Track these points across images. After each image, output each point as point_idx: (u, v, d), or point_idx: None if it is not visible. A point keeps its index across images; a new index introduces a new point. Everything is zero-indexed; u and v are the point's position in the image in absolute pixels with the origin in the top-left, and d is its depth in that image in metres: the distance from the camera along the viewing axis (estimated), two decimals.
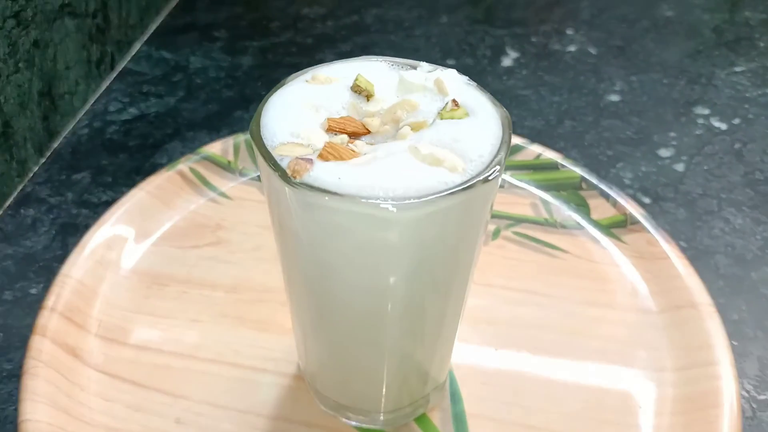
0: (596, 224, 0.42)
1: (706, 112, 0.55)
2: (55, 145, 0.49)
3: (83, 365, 0.34)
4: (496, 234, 0.42)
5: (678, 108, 0.55)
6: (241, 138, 0.46)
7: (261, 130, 0.23)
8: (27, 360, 0.33)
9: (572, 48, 0.62)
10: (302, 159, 0.21)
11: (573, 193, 0.44)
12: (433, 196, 0.20)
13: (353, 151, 0.22)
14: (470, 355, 0.35)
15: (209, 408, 0.32)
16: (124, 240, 0.40)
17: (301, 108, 0.23)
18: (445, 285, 0.25)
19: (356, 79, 0.24)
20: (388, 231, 0.21)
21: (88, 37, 0.52)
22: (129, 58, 0.59)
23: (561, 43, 0.63)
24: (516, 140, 0.46)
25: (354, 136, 0.23)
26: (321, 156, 0.21)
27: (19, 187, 0.46)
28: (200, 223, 0.42)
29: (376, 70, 0.26)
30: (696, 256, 0.42)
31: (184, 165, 0.43)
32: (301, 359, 0.33)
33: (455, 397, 0.33)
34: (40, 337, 0.34)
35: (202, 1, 0.68)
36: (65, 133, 0.50)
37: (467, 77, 0.25)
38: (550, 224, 0.42)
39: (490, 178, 0.21)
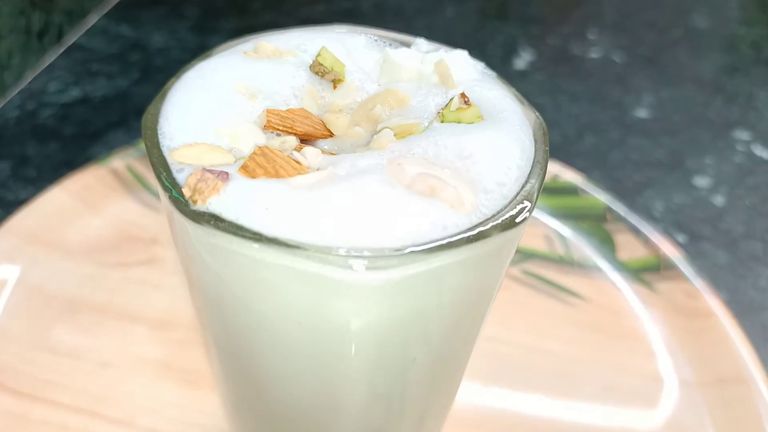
0: (623, 266, 0.34)
1: (746, 137, 0.47)
2: None
3: None
4: None
5: (715, 130, 0.48)
6: None
7: (159, 121, 0.15)
8: None
9: (595, 54, 0.54)
10: (211, 172, 0.13)
11: (595, 225, 0.36)
12: (422, 249, 0.12)
13: (297, 163, 0.14)
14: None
15: None
16: (32, 252, 0.31)
17: (227, 91, 0.15)
18: (435, 370, 0.17)
19: (318, 55, 0.16)
20: (345, 301, 0.13)
21: (29, 3, 0.44)
22: (81, 32, 0.50)
23: (582, 46, 0.55)
24: None
25: (306, 139, 0.15)
26: (245, 169, 0.13)
27: None
28: (132, 235, 0.33)
29: (351, 45, 0.17)
30: (740, 312, 0.34)
31: (119, 160, 0.35)
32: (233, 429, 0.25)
33: None
34: None
35: None
36: None
37: (484, 63, 0.17)
38: (566, 262, 0.34)
39: (517, 221, 0.13)
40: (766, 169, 0.45)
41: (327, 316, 0.13)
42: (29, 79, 0.45)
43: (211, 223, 0.12)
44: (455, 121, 0.15)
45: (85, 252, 0.32)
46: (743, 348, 0.30)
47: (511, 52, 0.53)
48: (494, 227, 0.13)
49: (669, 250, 0.34)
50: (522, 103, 0.16)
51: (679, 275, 0.33)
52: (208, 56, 0.16)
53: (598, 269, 0.34)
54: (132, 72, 0.47)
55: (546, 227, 0.36)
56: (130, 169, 0.35)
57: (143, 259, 0.32)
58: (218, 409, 0.26)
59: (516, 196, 0.13)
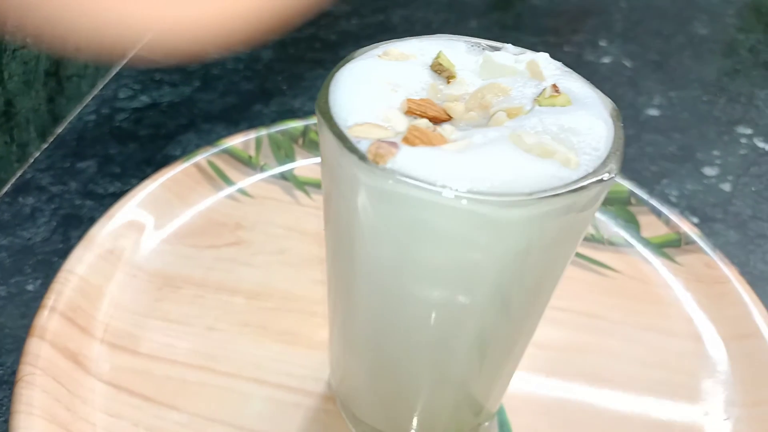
0: (647, 243, 0.39)
1: (749, 132, 0.52)
2: (60, 130, 0.45)
3: (86, 374, 0.30)
4: None
5: (720, 126, 0.53)
6: (264, 132, 0.42)
7: (330, 107, 0.19)
8: (22, 366, 0.29)
9: (607, 59, 0.60)
10: (386, 142, 0.18)
11: (621, 208, 0.40)
12: (549, 194, 0.17)
13: (442, 136, 0.18)
14: (520, 382, 0.31)
15: (227, 429, 0.29)
16: (134, 235, 0.36)
17: (376, 85, 0.20)
18: (527, 307, 0.21)
19: (437, 57, 0.21)
20: (489, 233, 0.17)
21: None
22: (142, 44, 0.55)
23: (595, 53, 0.60)
24: None
25: (434, 122, 0.20)
26: (406, 140, 0.18)
27: (19, 173, 0.42)
28: (218, 222, 0.38)
29: (455, 49, 0.22)
30: (751, 282, 0.39)
31: (202, 157, 0.40)
32: (335, 377, 0.29)
33: (504, 428, 0.29)
34: (38, 339, 0.30)
35: None
36: (71, 118, 0.47)
37: (561, 63, 0.22)
38: (597, 240, 0.39)
39: (606, 178, 0.18)
40: (767, 159, 0.50)
41: (473, 247, 0.18)
42: (100, 87, 0.50)
43: (393, 177, 0.17)
44: (550, 105, 0.20)
45: (179, 236, 0.37)
46: (755, 308, 0.34)
47: None
48: (596, 180, 0.17)
49: (688, 227, 0.38)
50: (599, 93, 0.21)
51: (698, 249, 0.37)
52: (351, 59, 0.21)
53: (626, 245, 0.39)
54: (193, 80, 0.51)
55: None
56: (211, 165, 0.40)
57: (231, 241, 0.37)
58: (312, 362, 0.31)
59: (607, 158, 0.18)
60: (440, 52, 0.21)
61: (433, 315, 0.20)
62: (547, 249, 0.19)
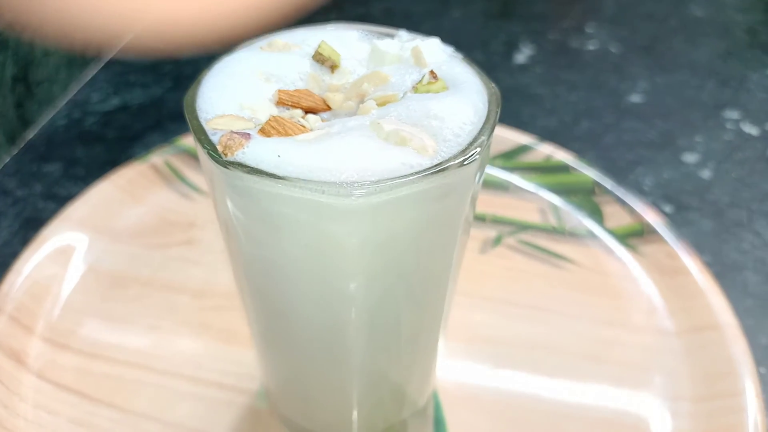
0: (610, 233, 0.38)
1: (736, 116, 0.50)
2: (30, 135, 0.46)
3: (26, 372, 0.30)
4: (497, 241, 0.37)
5: (706, 111, 0.51)
6: None
7: (197, 100, 0.19)
8: None
9: (592, 46, 0.58)
10: (237, 133, 0.17)
11: (585, 198, 0.39)
12: (393, 181, 0.16)
13: (302, 126, 0.18)
14: (461, 378, 0.31)
15: (161, 426, 0.29)
16: (85, 236, 0.36)
17: (248, 77, 0.20)
18: (416, 292, 0.21)
19: (319, 47, 0.20)
20: (339, 223, 0.17)
21: None
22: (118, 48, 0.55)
23: (580, 40, 0.59)
24: (525, 139, 0.42)
25: (311, 112, 0.19)
26: (262, 131, 0.17)
27: None
28: (171, 221, 0.38)
29: (345, 38, 0.22)
30: (722, 273, 0.37)
31: (158, 157, 0.40)
32: (264, 377, 0.29)
33: (439, 425, 0.29)
34: None
35: None
36: (42, 122, 0.47)
37: (453, 48, 0.21)
38: (558, 232, 0.38)
39: (465, 162, 0.17)
40: (753, 144, 0.48)
41: (326, 237, 0.17)
42: (74, 91, 0.50)
43: (238, 169, 0.16)
44: (426, 92, 0.19)
45: (131, 236, 0.37)
46: (717, 299, 0.33)
47: (512, 48, 0.57)
48: (451, 167, 0.17)
49: (652, 217, 0.37)
50: (482, 79, 0.20)
51: (660, 239, 0.36)
52: (232, 51, 0.21)
53: (588, 237, 0.38)
54: (165, 81, 0.52)
55: (540, 201, 0.39)
56: (168, 164, 0.40)
57: (182, 240, 0.37)
58: (249, 359, 0.31)
59: (469, 145, 0.17)
60: (322, 41, 0.20)
61: (320, 308, 0.20)
62: (417, 235, 0.18)
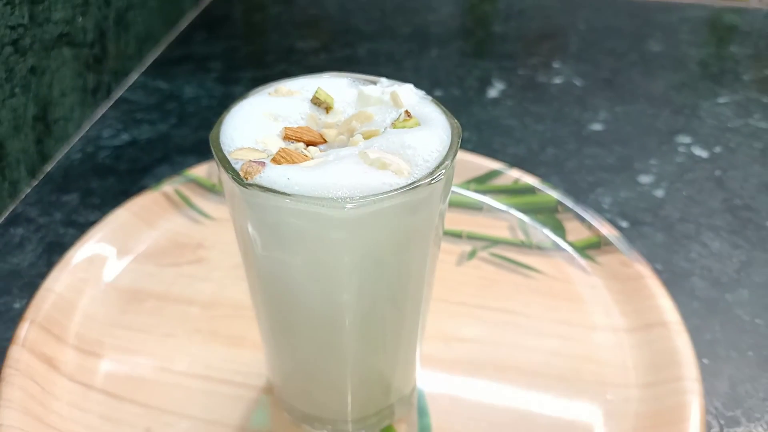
0: (571, 246, 0.43)
1: (688, 140, 0.56)
2: (49, 168, 0.51)
3: (58, 375, 0.35)
4: (472, 255, 0.42)
5: (661, 137, 0.56)
6: None
7: (220, 136, 0.24)
8: (4, 368, 0.33)
9: (558, 80, 0.64)
10: (255, 162, 0.22)
11: (549, 216, 0.44)
12: (376, 196, 0.21)
13: (305, 156, 0.23)
14: (440, 372, 0.35)
15: (178, 418, 0.33)
16: (105, 257, 0.41)
17: (260, 117, 0.25)
18: (397, 290, 0.26)
19: (316, 92, 0.26)
20: (335, 230, 0.22)
21: (85, 66, 0.54)
22: (125, 88, 0.60)
23: (547, 75, 0.64)
24: (495, 165, 0.47)
25: (311, 144, 0.24)
26: (274, 160, 0.22)
27: (11, 208, 0.47)
28: (181, 243, 0.43)
29: (337, 85, 0.27)
30: (672, 279, 0.42)
31: (168, 186, 0.45)
32: (269, 370, 0.33)
33: (422, 411, 0.33)
34: (19, 347, 0.34)
35: (200, 34, 0.70)
36: (59, 156, 0.52)
37: (424, 92, 0.26)
38: (526, 246, 0.43)
39: (433, 181, 0.22)
40: (703, 165, 0.53)
41: (324, 242, 0.22)
42: (87, 128, 0.55)
43: (256, 189, 0.21)
44: (402, 128, 0.24)
45: (146, 256, 0.42)
46: (664, 300, 0.38)
47: (486, 83, 0.63)
48: (422, 185, 0.22)
49: (607, 231, 0.42)
50: (447, 116, 0.25)
51: (615, 249, 0.41)
52: (246, 97, 0.26)
53: (552, 249, 0.43)
54: (170, 118, 0.57)
55: (510, 219, 0.44)
56: (178, 192, 0.45)
57: (192, 259, 0.41)
58: (255, 360, 0.35)
59: (436, 168, 0.23)
60: (318, 88, 0.26)
61: (319, 305, 0.25)
62: (397, 240, 0.23)
